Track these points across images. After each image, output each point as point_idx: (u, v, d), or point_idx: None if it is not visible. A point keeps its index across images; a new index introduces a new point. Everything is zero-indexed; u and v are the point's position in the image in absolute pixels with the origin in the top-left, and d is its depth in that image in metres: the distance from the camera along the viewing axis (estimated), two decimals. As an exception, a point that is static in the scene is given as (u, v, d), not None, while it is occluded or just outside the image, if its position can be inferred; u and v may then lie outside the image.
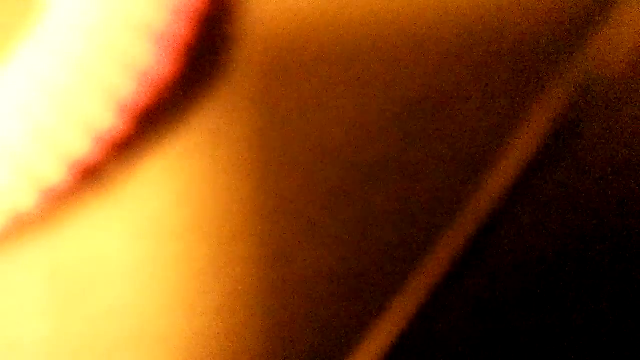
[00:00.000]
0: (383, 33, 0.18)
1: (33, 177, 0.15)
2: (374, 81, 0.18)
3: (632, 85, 0.18)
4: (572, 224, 0.18)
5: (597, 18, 0.18)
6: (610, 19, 0.18)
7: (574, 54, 0.18)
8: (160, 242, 0.18)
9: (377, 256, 0.18)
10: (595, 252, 0.18)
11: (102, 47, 0.15)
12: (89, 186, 0.17)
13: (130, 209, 0.17)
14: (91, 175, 0.16)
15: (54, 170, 0.15)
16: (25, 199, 0.15)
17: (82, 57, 0.15)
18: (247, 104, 0.18)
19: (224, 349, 0.18)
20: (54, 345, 0.17)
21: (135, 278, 0.18)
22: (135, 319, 0.18)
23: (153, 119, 0.17)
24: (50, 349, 0.17)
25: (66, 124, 0.15)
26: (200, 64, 0.17)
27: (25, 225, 0.16)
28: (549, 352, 0.18)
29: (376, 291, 0.18)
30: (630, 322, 0.18)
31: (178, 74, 0.16)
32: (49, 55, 0.15)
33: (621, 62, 0.18)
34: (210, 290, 0.18)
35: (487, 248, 0.18)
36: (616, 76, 0.18)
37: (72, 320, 0.18)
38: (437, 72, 0.18)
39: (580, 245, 0.18)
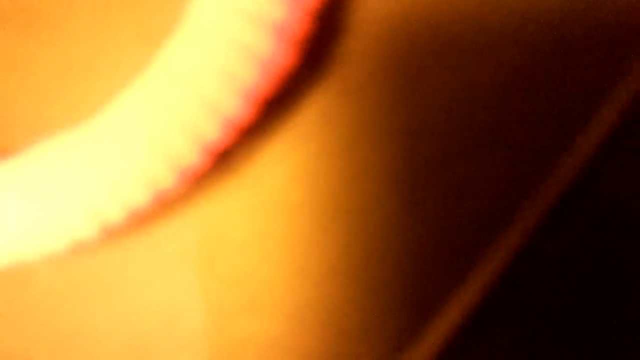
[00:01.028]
0: (481, 25, 0.19)
1: (172, 158, 0.16)
2: (469, 67, 0.19)
3: None
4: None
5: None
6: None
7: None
8: (276, 218, 0.19)
9: (465, 226, 0.19)
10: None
11: (228, 40, 0.16)
12: (218, 167, 0.18)
13: (251, 187, 0.19)
14: (220, 157, 0.18)
15: (190, 153, 0.16)
16: (165, 179, 0.16)
17: (211, 50, 0.16)
18: (355, 91, 0.19)
19: (329, 315, 0.19)
20: (191, 310, 0.19)
21: (253, 250, 0.19)
22: (254, 286, 0.19)
23: (273, 105, 0.19)
24: (186, 314, 0.19)
25: (199, 110, 0.16)
26: (314, 53, 0.19)
27: (166, 205, 0.18)
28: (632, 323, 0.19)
29: (462, 259, 0.19)
30: None
31: (296, 63, 0.18)
32: (185, 48, 0.16)
33: None
34: (318, 261, 0.19)
35: (570, 217, 0.19)
36: None
37: (201, 290, 0.19)
38: (525, 58, 0.19)
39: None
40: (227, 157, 0.19)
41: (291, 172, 0.19)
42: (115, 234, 0.19)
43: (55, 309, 0.19)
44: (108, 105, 0.18)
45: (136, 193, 0.16)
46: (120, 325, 0.19)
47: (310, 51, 0.19)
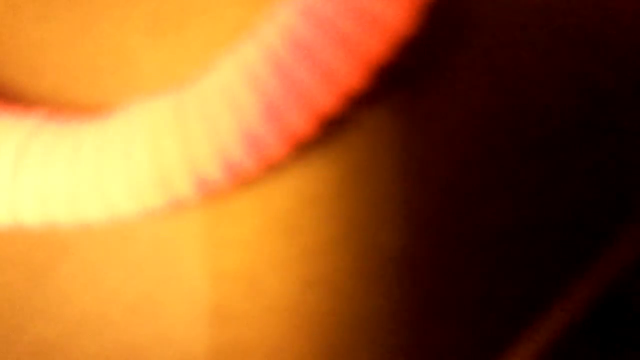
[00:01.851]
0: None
1: (281, 123, 0.16)
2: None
3: None
4: None
5: None
6: None
7: None
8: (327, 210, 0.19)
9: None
10: None
11: (347, 8, 0.16)
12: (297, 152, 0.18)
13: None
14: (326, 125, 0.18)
15: (300, 119, 0.16)
16: (273, 143, 0.16)
17: (331, 20, 0.16)
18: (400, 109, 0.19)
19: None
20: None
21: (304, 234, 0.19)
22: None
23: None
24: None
25: (311, 75, 0.16)
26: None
27: (272, 167, 0.18)
28: None
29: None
30: None
31: (414, 30, 0.18)
32: (301, 16, 0.16)
33: None
34: (364, 257, 0.19)
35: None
36: None
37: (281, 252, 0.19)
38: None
39: None
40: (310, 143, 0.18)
41: (340, 177, 0.19)
42: (215, 194, 0.18)
43: (132, 270, 0.19)
44: (213, 64, 0.18)
45: (240, 154, 0.16)
46: (199, 289, 0.19)
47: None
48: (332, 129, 0.18)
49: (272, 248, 0.19)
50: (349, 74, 0.16)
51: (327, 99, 0.16)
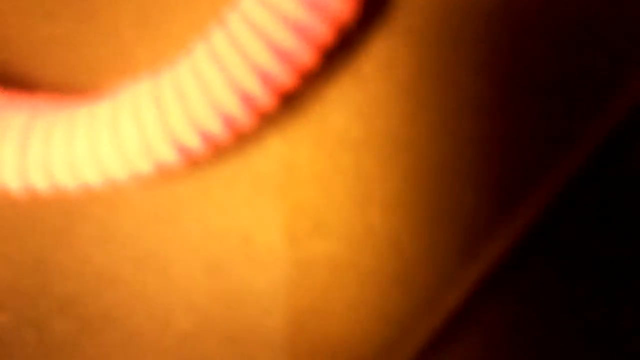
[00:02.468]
0: None
1: (244, 96, 0.19)
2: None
3: None
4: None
5: None
6: None
7: None
8: (340, 153, 0.22)
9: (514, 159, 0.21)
10: None
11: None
12: (285, 106, 0.21)
13: (317, 125, 0.21)
14: (286, 97, 0.21)
15: (259, 92, 0.19)
16: (237, 112, 0.19)
17: (280, 2, 0.19)
18: (415, 36, 0.21)
19: (390, 241, 0.22)
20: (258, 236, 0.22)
21: (321, 181, 0.22)
22: (323, 212, 0.22)
23: (336, 51, 0.21)
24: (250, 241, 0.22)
25: (269, 55, 0.19)
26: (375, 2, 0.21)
27: (241, 138, 0.20)
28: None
29: (516, 189, 0.21)
30: None
31: (357, 13, 0.20)
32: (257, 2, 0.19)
33: None
34: (380, 192, 0.22)
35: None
36: None
37: (270, 214, 0.22)
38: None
39: None
40: (298, 98, 0.21)
41: (353, 111, 0.21)
42: (195, 162, 0.21)
43: (139, 229, 0.22)
44: (186, 49, 0.21)
45: (211, 123, 0.19)
46: (199, 246, 0.22)
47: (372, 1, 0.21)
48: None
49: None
50: (301, 55, 0.19)
51: (283, 76, 0.19)
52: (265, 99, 0.19)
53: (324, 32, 0.19)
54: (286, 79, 0.19)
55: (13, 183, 0.20)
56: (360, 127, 0.21)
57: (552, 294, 0.21)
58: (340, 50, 0.21)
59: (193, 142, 0.19)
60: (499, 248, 0.21)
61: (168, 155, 0.19)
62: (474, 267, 0.21)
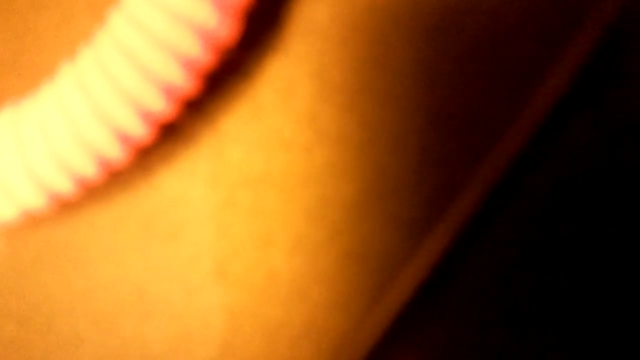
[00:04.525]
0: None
1: (119, 132, 0.17)
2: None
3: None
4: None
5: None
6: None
7: None
8: (236, 190, 0.20)
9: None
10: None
11: (170, 14, 0.17)
12: (173, 141, 0.19)
13: (211, 159, 0.20)
14: (171, 131, 0.19)
15: (135, 124, 0.17)
16: (111, 150, 0.17)
17: (154, 23, 0.17)
18: (313, 63, 0.19)
19: (296, 286, 0.20)
20: (147, 284, 0.20)
21: (214, 223, 0.20)
22: (215, 258, 0.20)
23: (224, 78, 0.19)
24: (143, 288, 0.20)
25: (144, 83, 0.17)
26: (260, 25, 0.19)
27: (116, 175, 0.18)
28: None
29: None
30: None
31: (240, 34, 0.18)
32: (128, 21, 0.17)
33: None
34: (280, 231, 0.20)
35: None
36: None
37: (164, 259, 0.20)
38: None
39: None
40: (183, 130, 0.19)
41: (252, 144, 0.20)
42: (66, 204, 0.19)
43: (19, 283, 0.20)
44: (52, 77, 0.19)
45: (82, 163, 0.17)
46: (86, 298, 0.20)
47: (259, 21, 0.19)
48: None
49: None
50: (180, 81, 0.17)
51: (160, 104, 0.17)
52: (142, 131, 0.17)
53: (203, 55, 0.17)
54: (164, 108, 0.17)
55: None
56: (259, 162, 0.20)
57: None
58: (231, 78, 0.19)
59: (60, 184, 0.17)
60: (410, 285, 0.19)
61: (34, 197, 0.17)
62: (385, 307, 0.19)
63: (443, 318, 0.19)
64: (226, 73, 0.19)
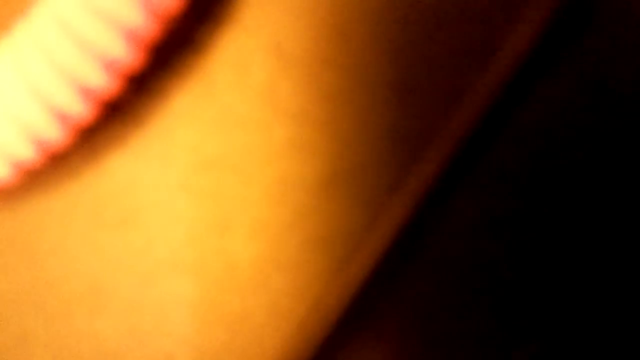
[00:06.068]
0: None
1: (57, 111, 0.15)
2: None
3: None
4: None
5: None
6: None
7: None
8: (190, 173, 0.18)
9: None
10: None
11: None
12: (121, 121, 0.18)
13: (162, 141, 0.18)
14: (115, 110, 0.17)
15: (76, 104, 0.16)
16: (48, 129, 0.16)
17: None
18: (268, 37, 0.18)
19: (257, 273, 0.19)
20: (99, 276, 0.18)
21: (168, 209, 0.18)
22: (170, 246, 0.18)
23: (174, 52, 0.18)
24: (95, 281, 0.18)
25: (80, 55, 0.15)
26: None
27: (59, 158, 0.17)
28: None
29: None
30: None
31: (187, 1, 0.17)
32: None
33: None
34: (238, 216, 0.18)
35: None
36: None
37: (116, 249, 0.19)
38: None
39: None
40: (130, 109, 0.18)
41: (206, 124, 0.18)
42: (7, 193, 0.18)
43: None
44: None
45: (18, 145, 0.15)
46: (35, 295, 0.18)
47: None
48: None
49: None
50: (120, 53, 0.15)
51: (100, 79, 0.15)
52: (82, 109, 0.16)
53: (145, 24, 0.15)
54: (105, 83, 0.16)
55: None
56: (214, 142, 0.18)
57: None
58: (181, 52, 0.18)
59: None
60: (370, 267, 0.18)
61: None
62: (348, 290, 0.18)
63: (405, 302, 0.18)
64: (175, 46, 0.18)
